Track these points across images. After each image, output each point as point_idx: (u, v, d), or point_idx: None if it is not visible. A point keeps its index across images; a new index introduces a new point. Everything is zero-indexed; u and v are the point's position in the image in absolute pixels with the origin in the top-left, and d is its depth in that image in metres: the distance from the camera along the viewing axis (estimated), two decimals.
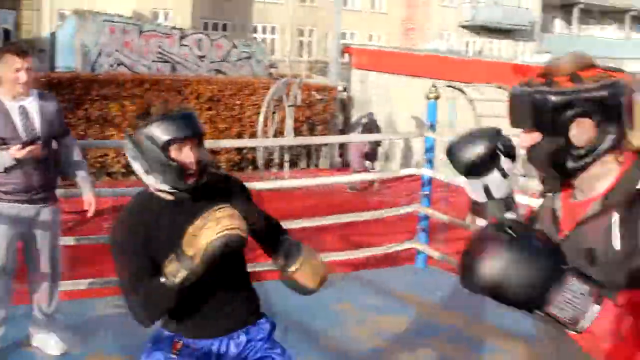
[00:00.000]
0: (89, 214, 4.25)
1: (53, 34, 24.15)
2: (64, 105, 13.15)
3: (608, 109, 1.55)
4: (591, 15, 41.54)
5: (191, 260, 1.99)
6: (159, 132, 2.12)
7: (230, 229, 1.97)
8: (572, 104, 1.56)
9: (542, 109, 1.58)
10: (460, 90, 10.24)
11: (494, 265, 1.41)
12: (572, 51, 1.66)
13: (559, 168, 1.62)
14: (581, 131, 1.57)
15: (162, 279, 2.03)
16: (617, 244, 1.48)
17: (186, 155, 2.15)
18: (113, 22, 17.60)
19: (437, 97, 6.20)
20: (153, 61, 17.65)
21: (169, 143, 2.12)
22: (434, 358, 4.28)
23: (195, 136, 2.19)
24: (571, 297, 1.39)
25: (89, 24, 17.21)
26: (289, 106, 14.29)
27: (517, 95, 1.64)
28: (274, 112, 14.53)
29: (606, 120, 1.55)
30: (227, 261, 2.10)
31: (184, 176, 2.15)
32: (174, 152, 2.14)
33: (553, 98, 1.57)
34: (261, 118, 12.67)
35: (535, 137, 1.62)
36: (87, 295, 5.23)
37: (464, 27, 36.89)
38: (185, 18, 28.19)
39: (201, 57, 18.37)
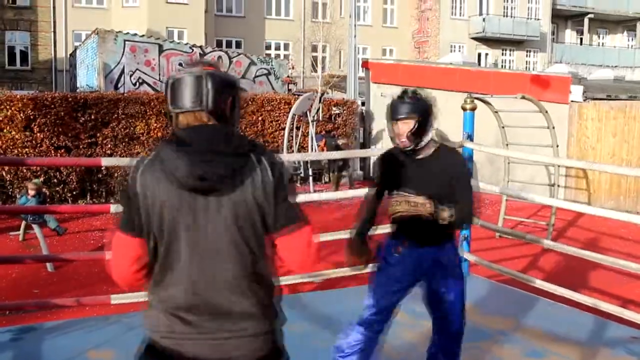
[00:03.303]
0: None
1: (73, 54, 24.50)
2: (91, 124, 13.49)
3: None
4: (601, 24, 41.58)
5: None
6: (389, 112, 3.42)
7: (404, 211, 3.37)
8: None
9: None
10: (485, 101, 10.32)
11: None
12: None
13: None
14: None
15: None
16: None
17: (398, 129, 3.37)
18: (134, 41, 17.83)
19: (473, 108, 6.33)
20: None
21: (391, 120, 3.40)
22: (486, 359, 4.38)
23: (405, 117, 3.33)
24: None
25: (109, 43, 17.44)
26: (312, 121, 14.44)
27: None
28: (297, 127, 14.69)
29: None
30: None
31: (397, 142, 3.41)
32: (395, 126, 3.38)
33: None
34: (286, 133, 12.81)
35: None
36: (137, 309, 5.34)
37: (474, 39, 37.05)
38: (199, 36, 28.51)
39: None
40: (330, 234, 6.45)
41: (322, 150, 14.56)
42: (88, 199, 13.71)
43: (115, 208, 4.93)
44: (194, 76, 2.02)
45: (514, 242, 9.21)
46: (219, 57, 18.73)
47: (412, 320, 5.10)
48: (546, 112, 10.17)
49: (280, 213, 2.02)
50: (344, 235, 6.52)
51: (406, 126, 3.33)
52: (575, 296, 5.33)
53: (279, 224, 2.03)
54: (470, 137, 6.23)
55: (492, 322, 5.11)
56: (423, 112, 3.35)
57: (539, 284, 5.72)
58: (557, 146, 10.30)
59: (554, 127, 10.28)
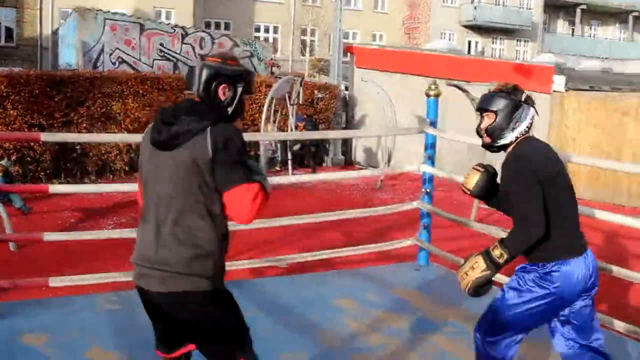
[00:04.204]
0: None
1: (55, 32, 24.20)
2: (66, 103, 13.27)
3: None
4: (594, 15, 41.45)
5: None
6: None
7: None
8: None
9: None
10: (462, 88, 10.21)
11: None
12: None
13: None
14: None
15: None
16: None
17: (480, 121, 3.24)
18: (114, 20, 17.56)
19: (437, 95, 6.19)
20: (155, 59, 17.63)
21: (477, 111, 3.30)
22: (435, 354, 4.28)
23: (486, 110, 3.19)
24: None
25: (89, 21, 17.17)
26: (292, 104, 14.28)
27: None
28: (276, 111, 14.52)
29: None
30: None
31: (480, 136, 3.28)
32: (480, 118, 3.25)
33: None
34: (264, 116, 12.65)
35: None
36: (87, 291, 5.23)
37: (465, 26, 36.88)
38: (187, 16, 28.20)
39: (203, 56, 18.36)
40: (297, 218, 6.31)
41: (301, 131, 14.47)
42: (62, 178, 13.52)
43: (53, 189, 4.80)
44: (195, 67, 2.67)
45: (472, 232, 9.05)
46: (202, 38, 18.51)
47: (360, 309, 5.01)
48: None
49: (220, 175, 2.50)
50: (310, 219, 6.42)
51: (487, 120, 3.19)
52: None
53: (219, 183, 2.52)
54: (433, 124, 6.10)
55: (446, 313, 5.01)
56: (506, 108, 3.12)
57: (498, 276, 5.62)
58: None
59: None
